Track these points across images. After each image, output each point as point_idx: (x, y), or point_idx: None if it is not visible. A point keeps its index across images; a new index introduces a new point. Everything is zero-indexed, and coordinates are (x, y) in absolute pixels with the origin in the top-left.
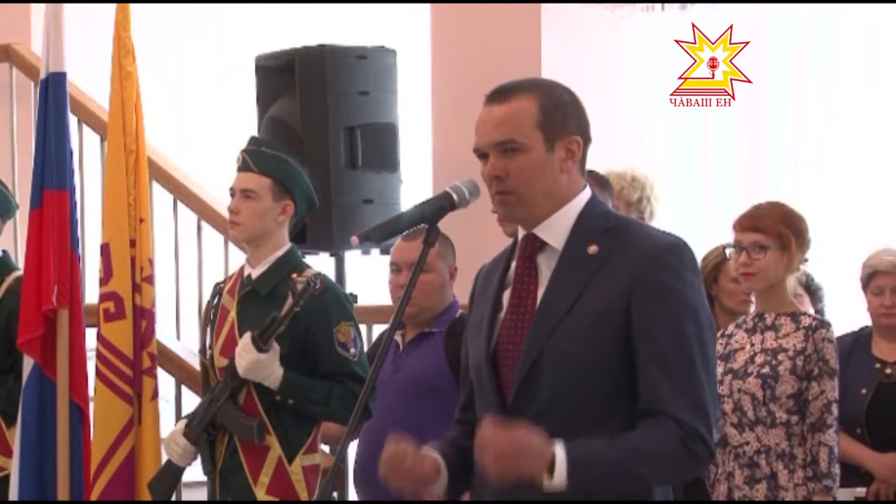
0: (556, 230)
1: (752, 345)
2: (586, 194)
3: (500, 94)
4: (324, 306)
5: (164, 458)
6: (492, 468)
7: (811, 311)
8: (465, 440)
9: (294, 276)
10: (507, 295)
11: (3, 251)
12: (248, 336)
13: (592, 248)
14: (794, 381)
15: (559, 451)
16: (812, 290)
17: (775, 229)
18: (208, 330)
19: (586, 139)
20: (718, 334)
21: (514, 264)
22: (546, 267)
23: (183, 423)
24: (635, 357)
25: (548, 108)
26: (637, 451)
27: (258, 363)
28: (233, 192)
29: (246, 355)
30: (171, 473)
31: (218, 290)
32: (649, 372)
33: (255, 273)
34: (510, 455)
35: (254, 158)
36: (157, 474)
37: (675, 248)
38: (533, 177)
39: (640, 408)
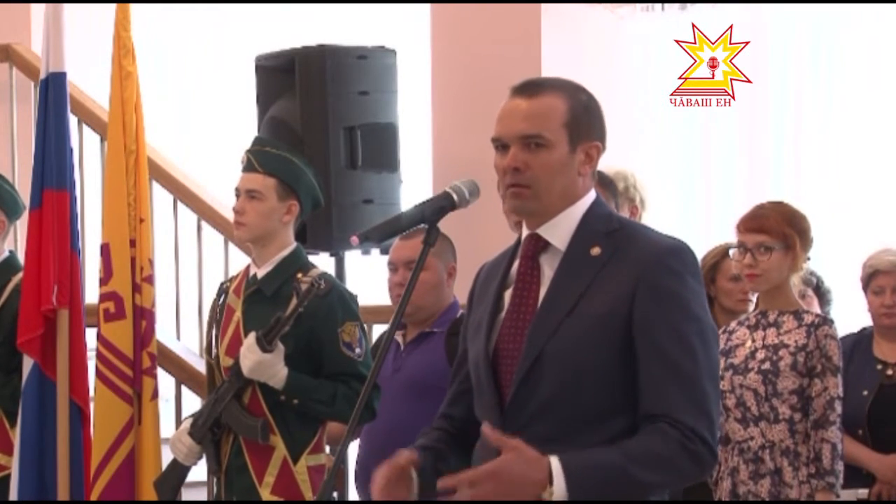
0: (559, 230)
1: (754, 341)
2: (591, 196)
3: (529, 88)
4: (329, 306)
5: (165, 458)
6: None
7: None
8: (446, 437)
9: (299, 275)
10: (508, 294)
11: (10, 251)
12: (252, 336)
13: (595, 250)
14: (795, 377)
15: (554, 461)
16: (821, 292)
17: (780, 230)
18: (214, 329)
19: (604, 146)
20: (720, 331)
21: (516, 263)
22: (548, 267)
23: (188, 422)
24: (636, 359)
25: (576, 110)
26: (635, 456)
27: (263, 363)
28: (238, 192)
29: (250, 355)
30: (177, 473)
31: (223, 290)
32: (650, 374)
33: (261, 273)
34: (505, 484)
35: (259, 159)
36: (163, 474)
37: (677, 252)
38: (553, 174)
39: (640, 410)
